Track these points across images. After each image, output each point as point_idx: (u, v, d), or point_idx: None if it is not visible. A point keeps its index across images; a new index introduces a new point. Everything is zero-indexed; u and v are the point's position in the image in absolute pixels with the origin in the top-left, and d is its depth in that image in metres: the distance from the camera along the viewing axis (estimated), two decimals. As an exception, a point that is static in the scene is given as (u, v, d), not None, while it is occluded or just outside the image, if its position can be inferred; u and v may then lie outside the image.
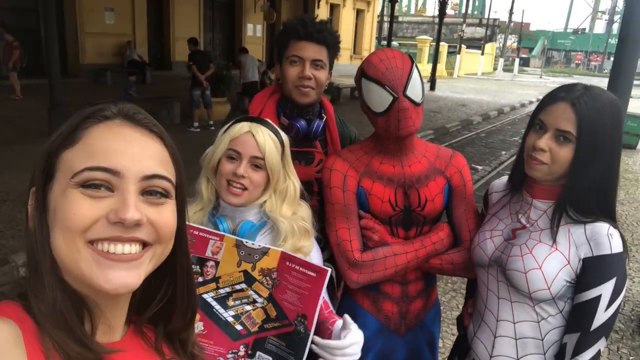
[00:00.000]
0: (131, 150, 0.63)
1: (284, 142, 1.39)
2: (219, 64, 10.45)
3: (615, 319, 1.25)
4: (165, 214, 0.66)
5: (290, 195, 1.39)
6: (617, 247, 1.23)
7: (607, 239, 1.23)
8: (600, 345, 1.23)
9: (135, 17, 15.10)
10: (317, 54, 1.70)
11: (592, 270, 1.24)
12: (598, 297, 1.22)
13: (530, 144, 1.32)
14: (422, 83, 1.52)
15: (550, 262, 1.27)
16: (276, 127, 1.42)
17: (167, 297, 0.74)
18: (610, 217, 1.28)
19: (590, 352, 1.23)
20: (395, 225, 1.59)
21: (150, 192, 0.64)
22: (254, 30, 19.93)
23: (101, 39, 14.17)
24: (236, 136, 1.34)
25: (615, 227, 1.26)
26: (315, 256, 1.41)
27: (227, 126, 1.39)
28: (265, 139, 1.32)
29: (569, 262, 1.27)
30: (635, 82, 4.27)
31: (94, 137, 0.62)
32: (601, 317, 1.22)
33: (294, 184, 1.40)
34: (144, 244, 0.64)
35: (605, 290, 1.22)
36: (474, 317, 1.53)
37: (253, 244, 1.28)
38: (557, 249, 1.28)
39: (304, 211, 1.42)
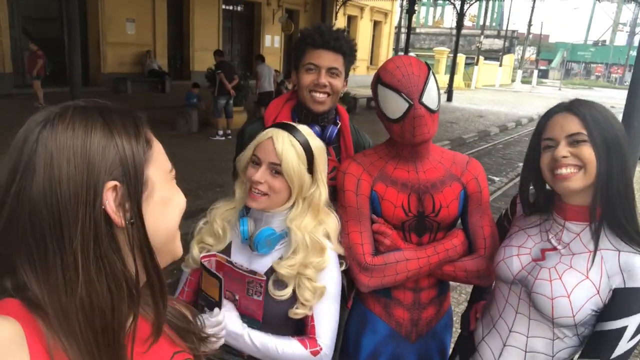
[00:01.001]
0: None
1: (313, 150, 1.39)
2: (238, 73, 10.59)
3: (636, 347, 1.20)
4: None
5: (315, 203, 1.39)
6: None
7: None
8: None
9: (155, 27, 15.37)
10: (333, 61, 1.71)
11: (622, 300, 1.20)
12: (624, 328, 1.18)
13: (549, 162, 1.28)
14: (439, 90, 1.52)
15: (579, 291, 1.23)
16: (306, 134, 1.40)
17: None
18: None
19: None
20: (408, 231, 1.59)
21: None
22: (272, 41, 20.12)
23: (122, 48, 14.45)
24: (260, 142, 1.37)
25: None
26: (326, 275, 1.38)
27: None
28: (284, 146, 1.33)
29: (598, 292, 1.22)
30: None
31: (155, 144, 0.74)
32: (623, 347, 1.18)
33: (320, 191, 1.40)
34: None
35: (633, 322, 1.18)
36: (485, 321, 1.49)
37: (241, 266, 1.34)
38: (587, 277, 1.23)
39: (332, 223, 1.43)
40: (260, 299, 1.30)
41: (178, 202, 0.73)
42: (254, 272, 1.30)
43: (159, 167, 0.69)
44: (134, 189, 0.63)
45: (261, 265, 1.38)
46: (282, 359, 1.31)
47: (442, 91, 1.56)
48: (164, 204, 0.70)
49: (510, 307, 1.39)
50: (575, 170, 1.24)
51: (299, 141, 1.36)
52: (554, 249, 1.33)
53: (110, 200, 0.61)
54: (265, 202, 1.35)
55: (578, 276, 1.24)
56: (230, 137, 9.41)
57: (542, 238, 1.37)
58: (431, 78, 1.47)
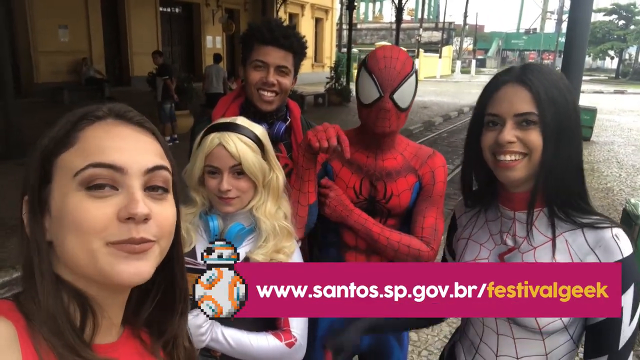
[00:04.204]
0: (127, 146, 0.64)
1: (261, 139, 1.39)
2: (180, 76, 10.36)
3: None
4: (167, 209, 0.67)
5: (274, 187, 1.41)
6: (627, 248, 1.03)
7: (614, 241, 1.03)
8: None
9: (90, 33, 14.80)
10: (283, 60, 1.67)
11: None
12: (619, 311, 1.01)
13: (491, 144, 1.10)
14: (415, 91, 1.57)
15: None
16: (247, 125, 1.39)
17: (159, 295, 0.76)
18: (593, 210, 1.10)
19: None
20: None
21: (152, 187, 0.66)
22: (213, 42, 19.81)
23: (56, 57, 13.81)
24: (209, 151, 1.34)
25: (616, 224, 1.07)
26: (295, 260, 1.42)
27: (199, 138, 1.40)
28: (237, 146, 1.32)
29: None
30: (584, 78, 4.48)
31: (90, 137, 0.64)
32: (627, 332, 1.02)
33: (277, 176, 1.42)
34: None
35: (626, 301, 1.00)
36: (465, 346, 1.27)
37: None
38: None
39: (286, 206, 1.45)
40: None
41: (76, 222, 0.61)
42: None
43: (62, 177, 0.63)
44: (31, 201, 0.64)
45: None
46: (258, 354, 1.30)
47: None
48: (61, 224, 0.63)
49: (489, 329, 1.18)
50: (520, 157, 1.07)
51: (246, 135, 1.36)
52: (512, 249, 1.15)
53: (24, 214, 0.64)
54: (239, 203, 1.37)
55: None
56: (177, 141, 9.21)
57: (496, 242, 1.19)
58: (411, 78, 1.52)
